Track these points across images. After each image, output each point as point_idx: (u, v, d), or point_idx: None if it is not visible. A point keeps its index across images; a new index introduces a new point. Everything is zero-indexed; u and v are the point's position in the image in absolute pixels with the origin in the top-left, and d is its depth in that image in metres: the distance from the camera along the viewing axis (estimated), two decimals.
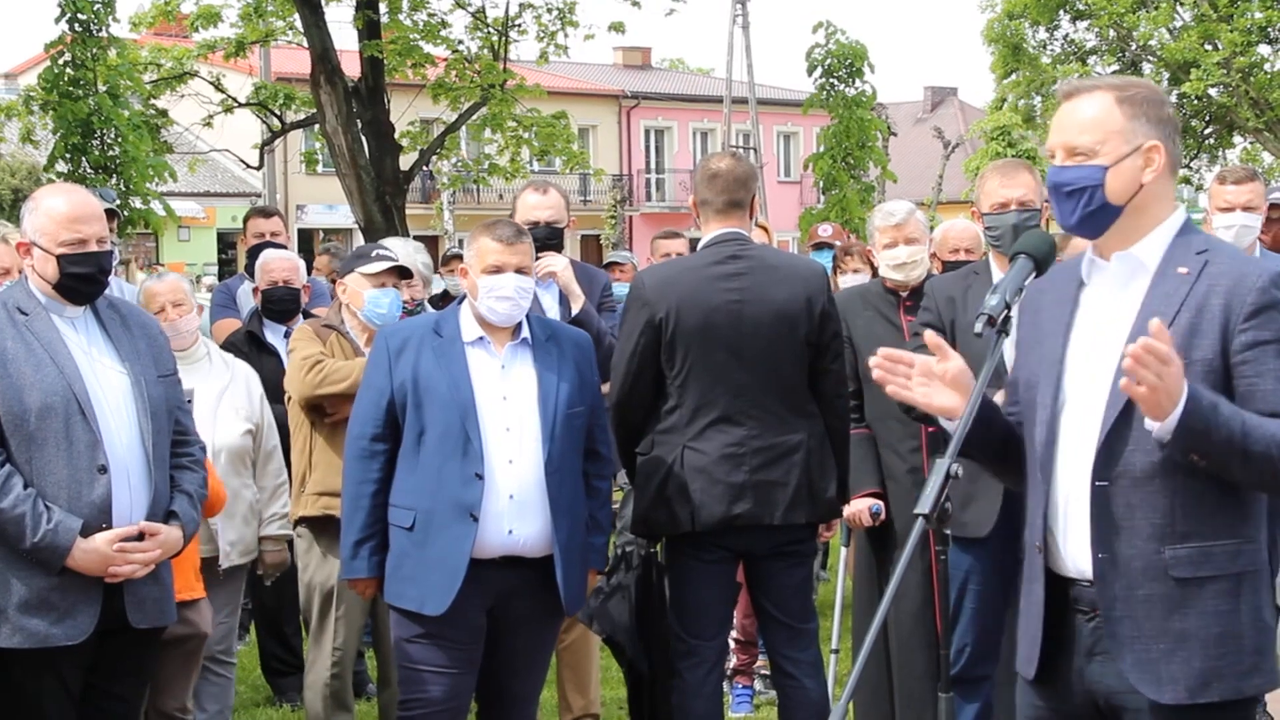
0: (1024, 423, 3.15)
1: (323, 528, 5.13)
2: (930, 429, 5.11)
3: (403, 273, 5.37)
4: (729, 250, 4.79)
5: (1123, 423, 2.93)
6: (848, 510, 5.23)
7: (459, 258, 6.30)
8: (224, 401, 5.20)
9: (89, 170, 16.27)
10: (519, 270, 4.45)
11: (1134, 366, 2.74)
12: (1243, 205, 5.69)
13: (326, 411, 5.12)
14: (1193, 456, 2.85)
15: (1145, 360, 2.73)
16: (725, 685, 6.07)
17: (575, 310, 5.46)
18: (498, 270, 4.43)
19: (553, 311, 5.45)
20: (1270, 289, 2.89)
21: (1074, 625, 3.04)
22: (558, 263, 5.54)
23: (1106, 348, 2.98)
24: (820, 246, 8.41)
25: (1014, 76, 33.01)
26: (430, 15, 17.40)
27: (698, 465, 4.69)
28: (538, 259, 4.90)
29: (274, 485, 5.37)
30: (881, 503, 5.24)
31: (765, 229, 7.31)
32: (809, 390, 4.82)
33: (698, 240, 7.66)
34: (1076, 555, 3.01)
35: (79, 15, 16.33)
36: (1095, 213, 3.01)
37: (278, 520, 5.38)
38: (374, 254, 5.37)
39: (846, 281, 6.55)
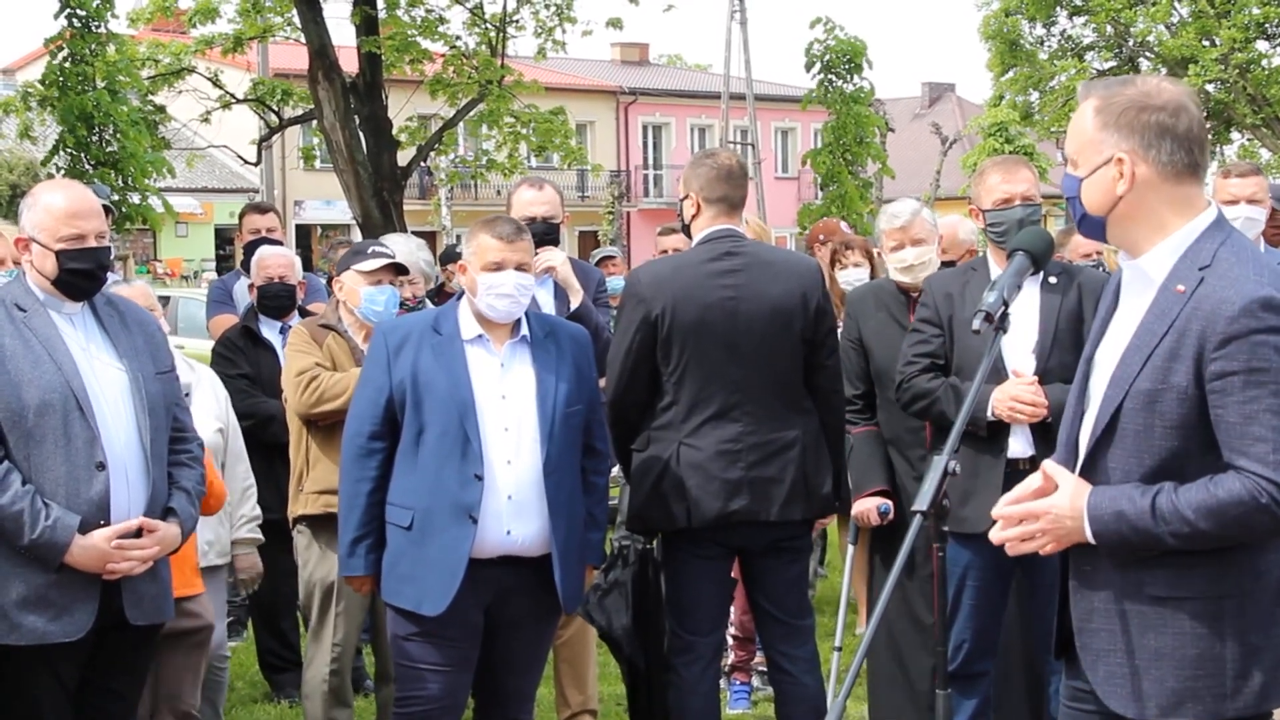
0: None
1: (322, 524, 5.13)
2: None
3: (399, 269, 5.37)
4: (724, 247, 4.79)
5: (1105, 439, 2.92)
6: (856, 509, 5.22)
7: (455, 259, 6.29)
8: (193, 402, 5.20)
9: (88, 166, 16.27)
10: (519, 267, 4.45)
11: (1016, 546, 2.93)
12: (1247, 198, 5.70)
13: (319, 425, 5.14)
14: (1138, 553, 2.87)
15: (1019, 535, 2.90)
16: (723, 682, 6.08)
17: (574, 304, 5.47)
18: (498, 267, 4.43)
19: (548, 307, 5.45)
20: (1240, 318, 2.77)
21: None
22: (556, 257, 5.54)
23: (1113, 358, 2.95)
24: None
25: (1011, 73, 33.00)
26: (428, 11, 17.39)
27: (694, 461, 4.69)
28: (535, 255, 4.91)
29: (242, 487, 5.37)
30: (890, 502, 5.23)
31: (760, 227, 7.30)
32: (804, 386, 4.82)
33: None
34: None
35: (78, 11, 16.32)
36: (1083, 221, 3.00)
37: (247, 523, 5.38)
38: (370, 250, 5.38)
39: (847, 276, 6.54)
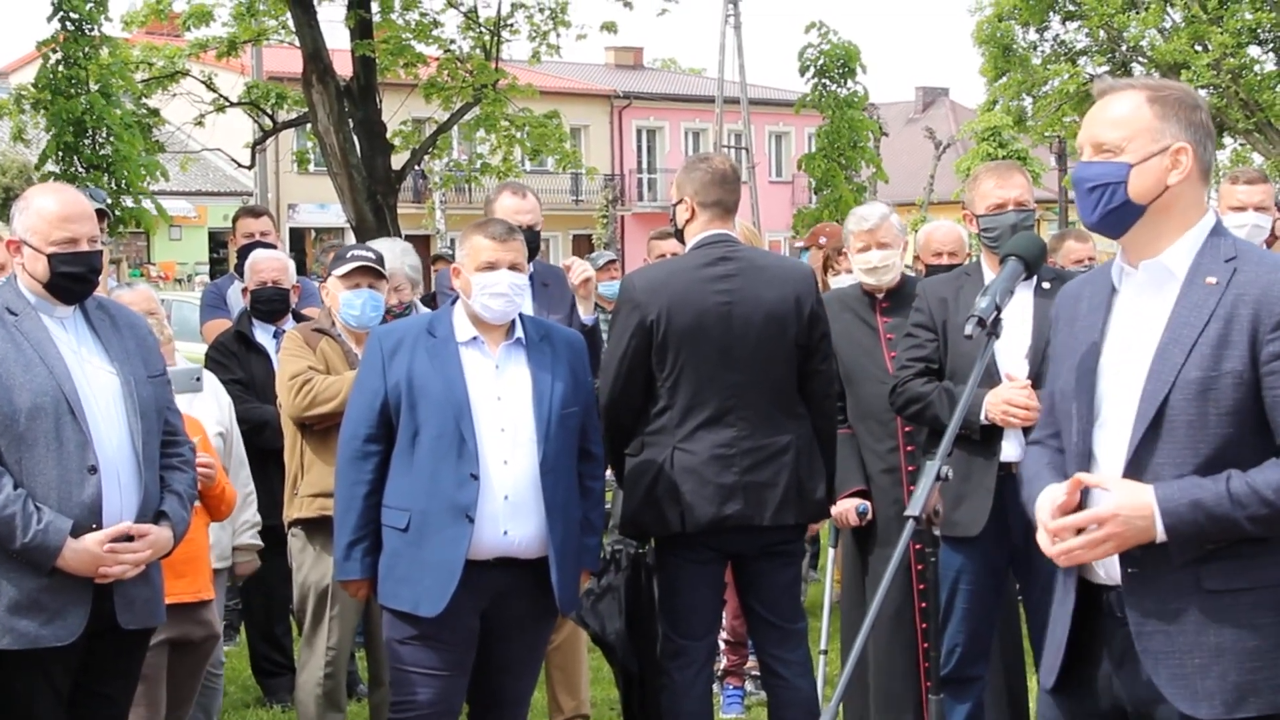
0: (1062, 431, 3.09)
1: (317, 528, 5.13)
2: (907, 429, 5.15)
3: (376, 272, 5.34)
4: (719, 252, 4.80)
5: (1151, 436, 2.89)
6: (835, 510, 5.24)
7: (443, 258, 6.30)
8: (194, 408, 5.20)
9: (81, 169, 16.26)
10: (512, 267, 4.46)
11: (1070, 553, 2.87)
12: (1255, 205, 5.71)
13: (313, 429, 5.14)
14: (1207, 546, 2.85)
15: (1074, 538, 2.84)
16: (716, 686, 6.09)
17: (584, 314, 5.56)
18: (491, 267, 4.44)
19: (527, 311, 5.46)
20: None
21: (1105, 632, 2.99)
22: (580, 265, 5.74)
23: (1137, 358, 2.95)
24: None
25: (1005, 78, 33.02)
26: (422, 15, 17.40)
27: (688, 466, 4.69)
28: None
29: (243, 493, 5.36)
30: (868, 502, 5.26)
31: (751, 231, 7.32)
32: (797, 391, 4.83)
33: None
34: (1109, 562, 2.96)
35: (71, 14, 16.32)
36: (1116, 210, 2.98)
37: (248, 529, 5.39)
38: (347, 255, 5.38)
39: (840, 282, 6.56)
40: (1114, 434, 2.95)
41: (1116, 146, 2.97)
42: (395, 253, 6.25)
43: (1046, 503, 2.94)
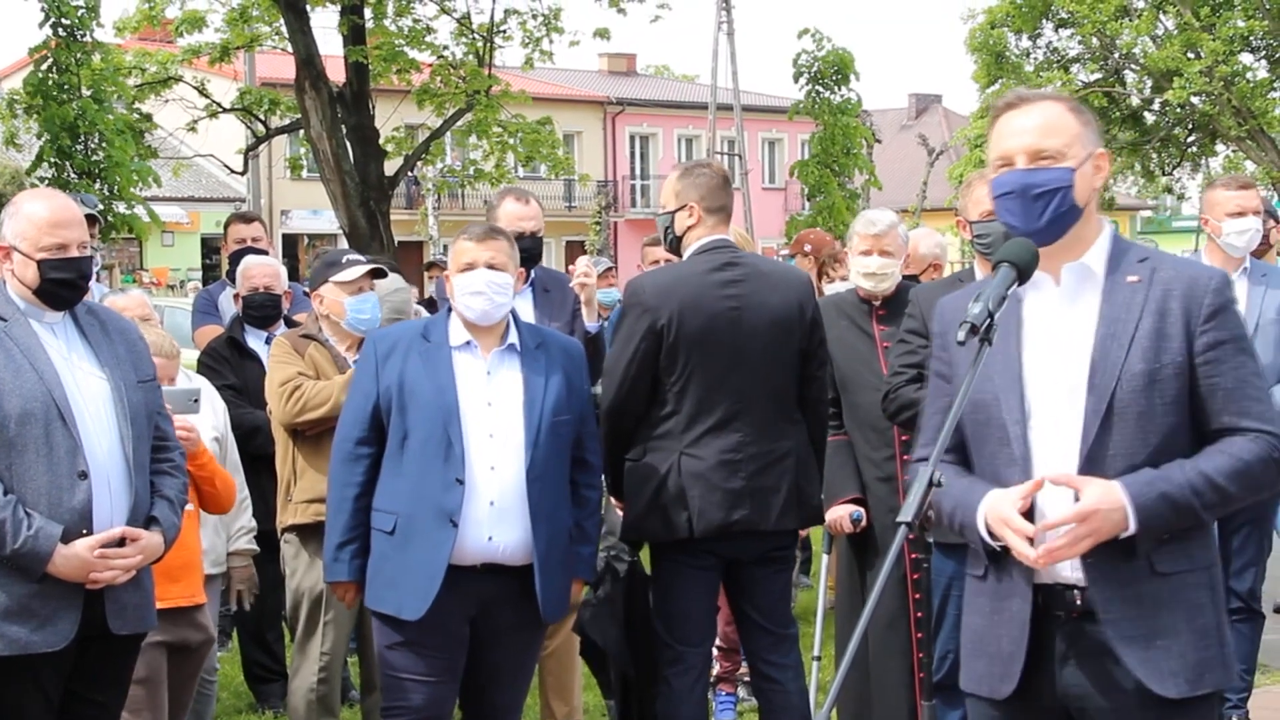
0: (976, 441, 3.13)
1: (311, 533, 5.12)
2: (904, 437, 5.14)
3: (377, 273, 5.34)
4: (724, 257, 4.81)
5: (1103, 431, 2.97)
6: (829, 516, 5.24)
7: (437, 265, 6.29)
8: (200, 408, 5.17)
9: (73, 175, 16.23)
10: (490, 265, 4.46)
11: (1058, 553, 2.89)
12: (1253, 210, 5.72)
13: (305, 434, 5.12)
14: (1164, 536, 2.95)
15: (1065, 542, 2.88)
16: (709, 693, 6.07)
17: (589, 319, 5.54)
18: (470, 267, 4.45)
19: (528, 316, 5.45)
20: (1224, 290, 3.02)
21: (1048, 633, 3.04)
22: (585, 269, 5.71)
23: (1071, 359, 3.02)
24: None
25: (997, 85, 33.04)
26: (415, 21, 17.40)
27: (695, 471, 4.69)
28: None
29: (239, 499, 5.35)
30: (862, 509, 5.26)
31: (745, 237, 7.31)
32: (796, 396, 4.83)
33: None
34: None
35: (63, 20, 16.28)
36: (1065, 214, 3.04)
37: (244, 535, 5.37)
38: (344, 260, 5.36)
39: (834, 289, 6.56)
40: (1056, 433, 3.01)
41: (1058, 153, 3.04)
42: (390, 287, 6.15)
43: (1007, 507, 2.96)
